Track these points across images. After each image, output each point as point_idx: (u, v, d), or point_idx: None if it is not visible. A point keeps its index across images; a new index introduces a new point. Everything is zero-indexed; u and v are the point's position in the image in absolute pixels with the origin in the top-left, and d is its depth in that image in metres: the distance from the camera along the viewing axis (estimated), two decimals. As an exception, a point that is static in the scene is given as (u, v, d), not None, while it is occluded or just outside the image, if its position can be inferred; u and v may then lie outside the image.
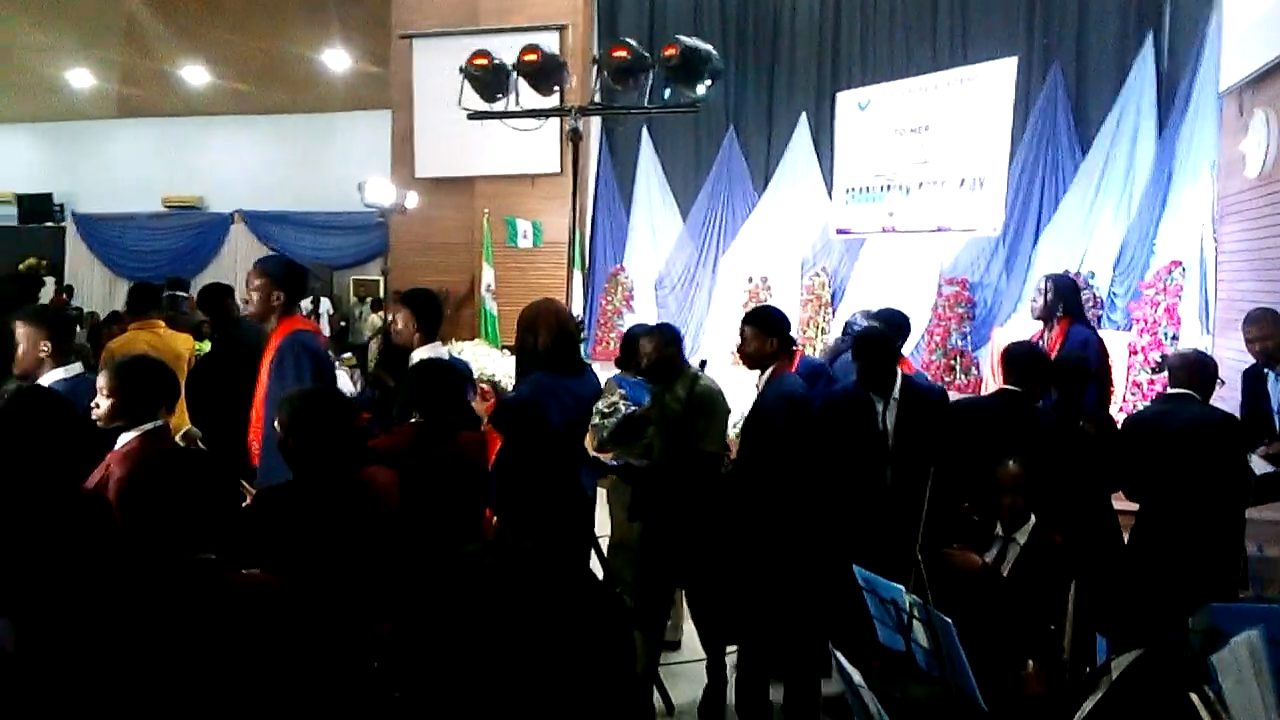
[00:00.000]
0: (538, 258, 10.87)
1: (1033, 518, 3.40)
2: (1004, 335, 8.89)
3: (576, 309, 9.99)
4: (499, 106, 4.83)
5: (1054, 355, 4.36)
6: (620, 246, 11.56)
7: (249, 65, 14.05)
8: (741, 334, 4.02)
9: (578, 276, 10.68)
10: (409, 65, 11.51)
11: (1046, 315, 4.71)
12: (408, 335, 3.91)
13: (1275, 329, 4.24)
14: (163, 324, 5.04)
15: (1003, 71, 8.32)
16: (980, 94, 8.48)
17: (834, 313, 9.99)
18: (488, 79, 4.56)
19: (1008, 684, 2.73)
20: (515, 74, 4.51)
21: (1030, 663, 2.61)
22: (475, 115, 4.70)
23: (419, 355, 3.80)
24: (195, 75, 14.52)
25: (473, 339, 10.19)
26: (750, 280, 10.63)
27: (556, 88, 4.58)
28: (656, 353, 3.93)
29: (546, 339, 3.66)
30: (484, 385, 3.15)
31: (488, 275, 10.84)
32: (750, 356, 3.97)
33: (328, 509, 2.40)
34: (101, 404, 2.75)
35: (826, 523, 3.69)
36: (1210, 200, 6.87)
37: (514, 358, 3.83)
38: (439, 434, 3.17)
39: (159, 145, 16.09)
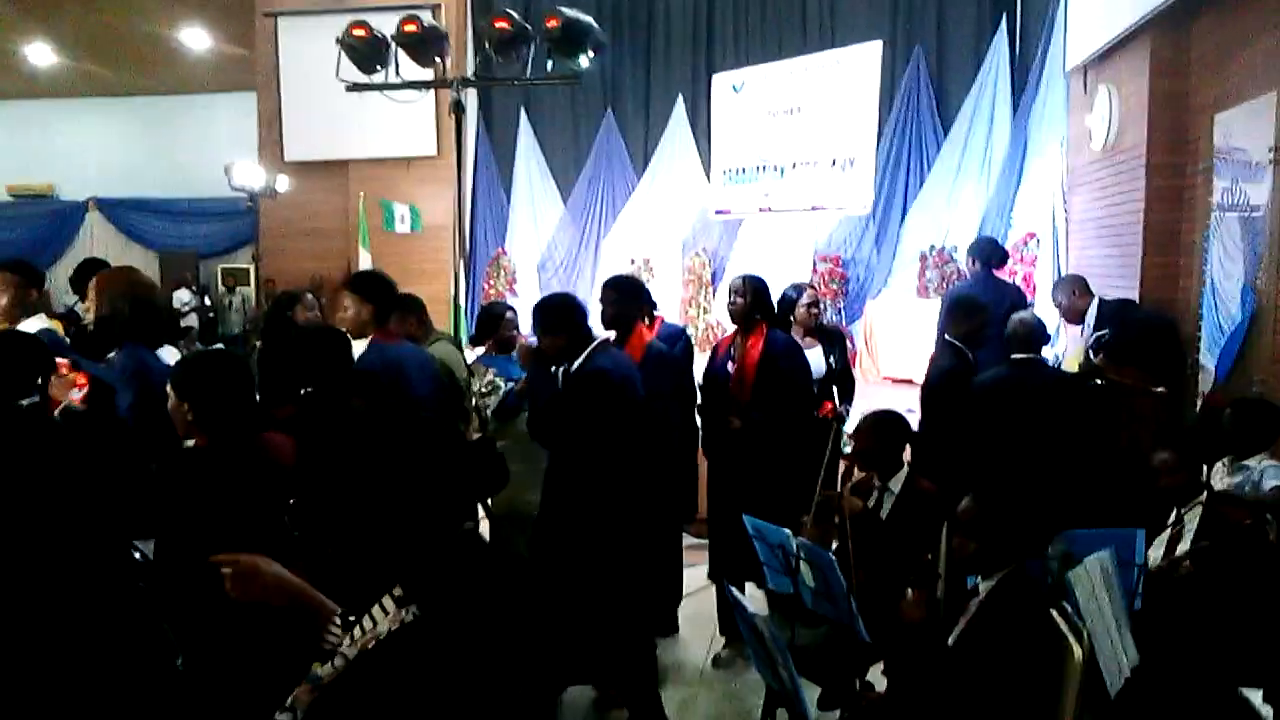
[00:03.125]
0: (417, 242, 10.69)
1: (906, 467, 3.63)
2: (876, 309, 9.29)
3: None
4: (378, 80, 4.76)
5: (755, 361, 4.23)
6: (501, 229, 11.49)
7: (100, 44, 13.29)
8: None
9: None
10: (274, 45, 11.14)
11: (745, 318, 4.37)
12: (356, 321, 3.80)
13: None
14: None
15: (869, 54, 8.61)
16: (849, 76, 8.76)
17: (714, 292, 10.20)
18: (366, 50, 4.49)
19: (887, 613, 2.90)
20: (394, 45, 4.46)
21: (909, 591, 2.79)
22: (354, 87, 4.63)
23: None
24: (40, 54, 13.65)
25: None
26: (632, 262, 10.73)
27: (436, 60, 4.55)
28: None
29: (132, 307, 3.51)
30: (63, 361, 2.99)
31: (364, 260, 10.61)
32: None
33: (237, 472, 2.36)
34: None
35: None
36: (1061, 173, 7.31)
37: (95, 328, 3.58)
38: (328, 403, 3.15)
39: (1, 129, 15.11)
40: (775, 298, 4.73)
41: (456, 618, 1.60)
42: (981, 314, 4.64)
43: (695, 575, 4.58)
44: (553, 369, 3.66)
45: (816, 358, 4.68)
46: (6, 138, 15.07)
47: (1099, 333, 5.08)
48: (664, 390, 3.92)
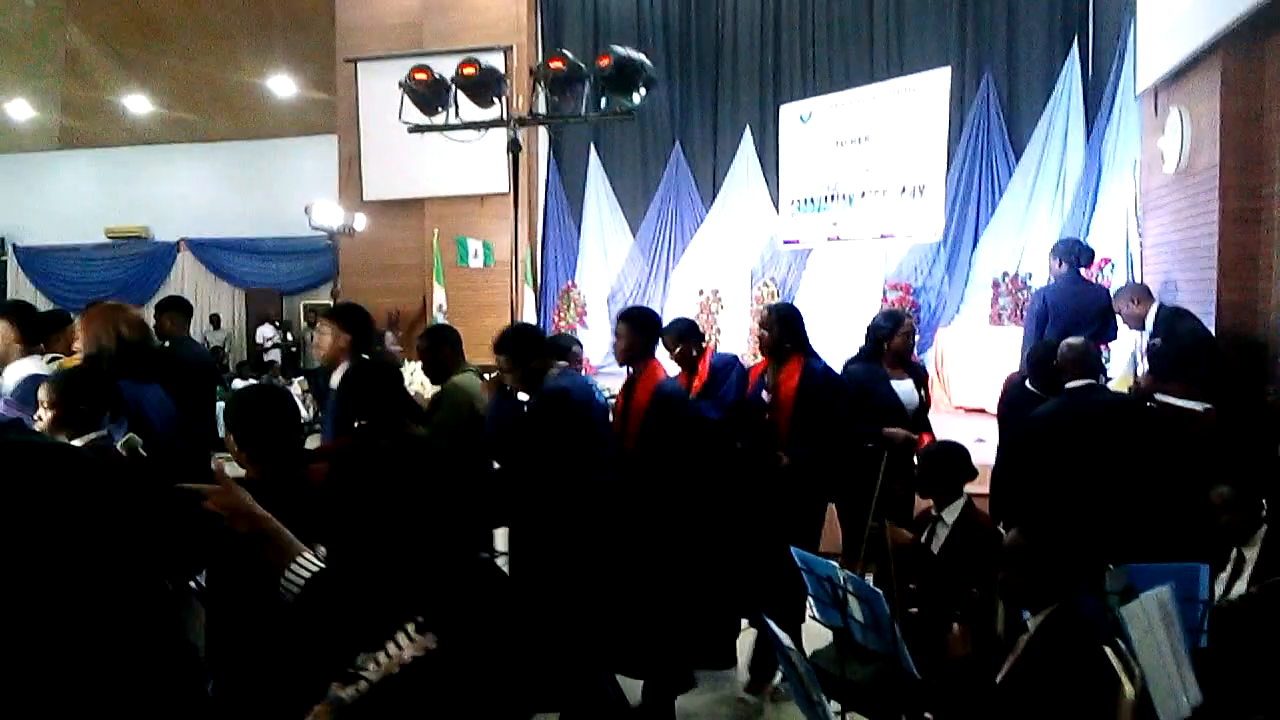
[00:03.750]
0: (490, 277, 10.94)
1: (965, 497, 3.55)
2: (947, 337, 9.13)
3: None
4: (439, 121, 4.91)
5: (792, 393, 4.11)
6: (571, 263, 11.66)
7: (192, 93, 14.00)
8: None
9: (529, 293, 10.79)
10: (354, 89, 11.57)
11: (775, 349, 4.24)
12: (334, 349, 3.91)
13: None
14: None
15: (938, 81, 8.54)
16: (917, 103, 8.69)
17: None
18: (427, 93, 4.65)
19: (933, 649, 2.84)
20: (454, 87, 4.60)
21: (955, 625, 2.72)
22: (415, 129, 4.78)
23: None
24: (138, 104, 14.44)
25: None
26: (701, 293, 10.78)
27: (496, 100, 4.69)
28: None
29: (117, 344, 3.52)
30: None
31: (439, 296, 10.88)
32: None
33: (279, 503, 2.44)
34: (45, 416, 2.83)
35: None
36: (1134, 196, 7.11)
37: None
38: (383, 434, 3.23)
39: (102, 176, 15.95)
40: (865, 327, 4.71)
41: (474, 646, 1.63)
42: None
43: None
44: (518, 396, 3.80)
45: (909, 390, 4.58)
46: (107, 182, 15.90)
47: (1152, 340, 4.95)
48: (672, 435, 3.87)
